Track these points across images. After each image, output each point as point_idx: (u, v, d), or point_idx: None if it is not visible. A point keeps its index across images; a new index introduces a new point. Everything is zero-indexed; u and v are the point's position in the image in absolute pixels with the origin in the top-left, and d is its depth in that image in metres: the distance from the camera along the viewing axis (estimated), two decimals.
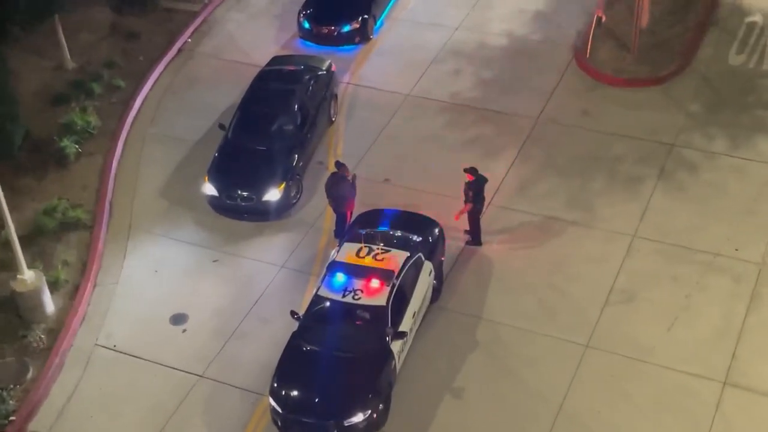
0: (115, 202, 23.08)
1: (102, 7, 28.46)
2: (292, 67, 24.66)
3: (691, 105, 24.63)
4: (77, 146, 24.03)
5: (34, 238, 21.81)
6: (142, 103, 25.87)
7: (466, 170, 20.76)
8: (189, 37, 28.10)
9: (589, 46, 25.92)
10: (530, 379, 18.87)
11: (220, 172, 22.58)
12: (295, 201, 22.53)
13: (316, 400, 17.84)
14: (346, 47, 27.00)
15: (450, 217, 21.12)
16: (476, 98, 25.28)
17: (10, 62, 23.70)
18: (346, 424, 17.62)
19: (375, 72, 26.45)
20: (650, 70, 25.47)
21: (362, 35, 27.07)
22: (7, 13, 23.12)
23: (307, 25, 27.19)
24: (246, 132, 23.05)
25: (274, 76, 24.33)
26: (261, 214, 22.23)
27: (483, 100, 25.20)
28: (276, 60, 25.36)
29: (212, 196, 22.46)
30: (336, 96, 24.89)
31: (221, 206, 22.42)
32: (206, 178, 22.53)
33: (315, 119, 23.62)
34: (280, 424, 18.04)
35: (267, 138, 22.86)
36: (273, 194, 22.06)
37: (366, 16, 26.99)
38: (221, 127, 23.38)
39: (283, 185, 22.13)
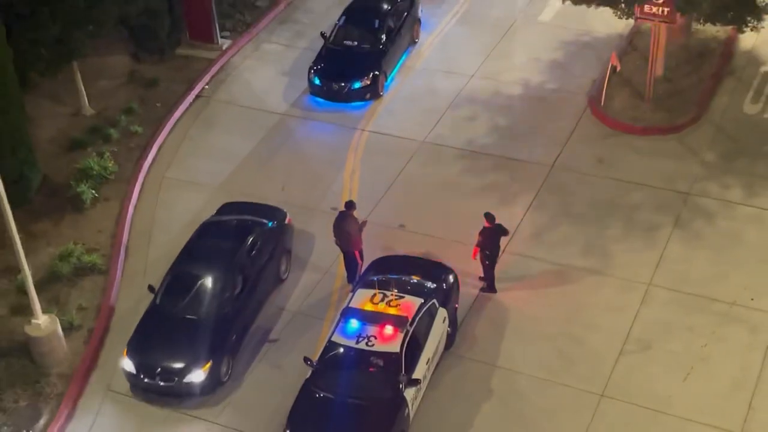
0: (130, 248, 23.11)
1: (120, 54, 28.80)
2: (237, 220, 21.75)
3: (706, 154, 24.64)
4: (93, 191, 24.12)
5: (49, 283, 21.88)
6: (159, 149, 25.99)
7: (487, 215, 20.81)
8: (206, 84, 28.29)
9: (603, 95, 26.02)
10: (546, 430, 18.75)
11: (140, 344, 19.58)
12: (226, 379, 19.71)
13: None
14: (356, 104, 26.88)
15: (464, 263, 21.14)
16: (491, 145, 25.36)
17: (28, 108, 23.99)
18: None
19: (390, 118, 26.55)
20: (666, 118, 25.53)
21: (373, 92, 26.93)
22: (28, 60, 23.41)
23: (317, 82, 27.02)
24: (175, 297, 20.08)
25: (214, 231, 21.45)
26: (182, 396, 19.48)
27: (498, 147, 25.27)
28: (225, 208, 22.54)
29: (130, 374, 19.48)
30: (289, 251, 22.10)
31: (140, 386, 19.51)
32: (125, 351, 19.64)
33: (257, 281, 20.79)
34: None
35: (197, 306, 19.89)
36: (196, 375, 19.14)
37: (377, 73, 26.83)
38: (150, 289, 20.55)
39: (208, 365, 19.19)
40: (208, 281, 20.13)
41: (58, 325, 20.35)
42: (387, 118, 26.59)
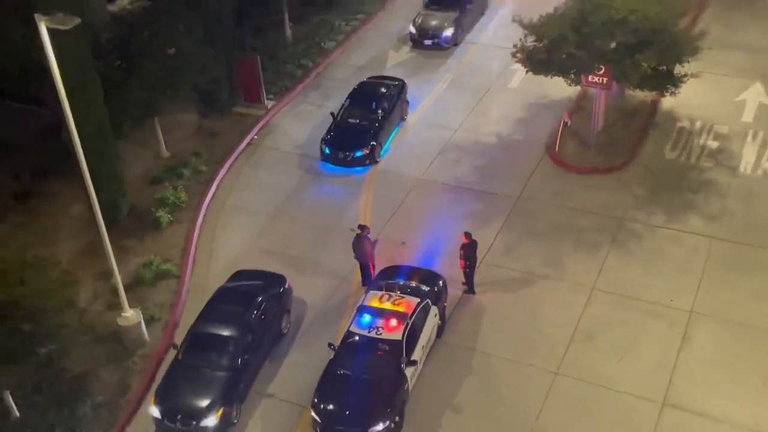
0: (197, 259, 23.13)
1: (191, 113, 28.75)
2: (246, 285, 20.30)
3: (636, 189, 24.60)
4: (169, 216, 24.14)
5: (135, 285, 21.98)
6: (220, 184, 25.93)
7: (465, 233, 20.86)
8: (255, 135, 28.17)
9: (557, 143, 26.01)
10: (513, 399, 18.76)
11: (166, 394, 18.25)
12: (236, 421, 18.40)
13: (347, 412, 17.79)
14: (358, 168, 26.05)
15: (451, 271, 21.14)
16: (472, 181, 25.28)
17: (119, 152, 24.16)
18: None
19: (395, 161, 26.48)
20: (605, 161, 25.46)
21: (371, 159, 26.13)
22: (120, 117, 23.62)
23: (327, 151, 26.16)
24: (194, 353, 18.76)
25: (228, 296, 20.01)
26: None
27: (477, 182, 25.20)
28: (237, 275, 21.00)
29: (155, 419, 18.13)
30: (289, 311, 20.53)
31: (164, 429, 18.14)
32: (152, 399, 18.34)
33: (263, 337, 19.43)
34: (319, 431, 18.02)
35: (212, 360, 18.58)
36: (210, 420, 17.84)
37: (374, 143, 26.07)
38: (174, 346, 19.30)
39: (220, 411, 17.89)
40: (222, 339, 18.79)
41: (142, 317, 20.49)
42: (393, 160, 26.52)
